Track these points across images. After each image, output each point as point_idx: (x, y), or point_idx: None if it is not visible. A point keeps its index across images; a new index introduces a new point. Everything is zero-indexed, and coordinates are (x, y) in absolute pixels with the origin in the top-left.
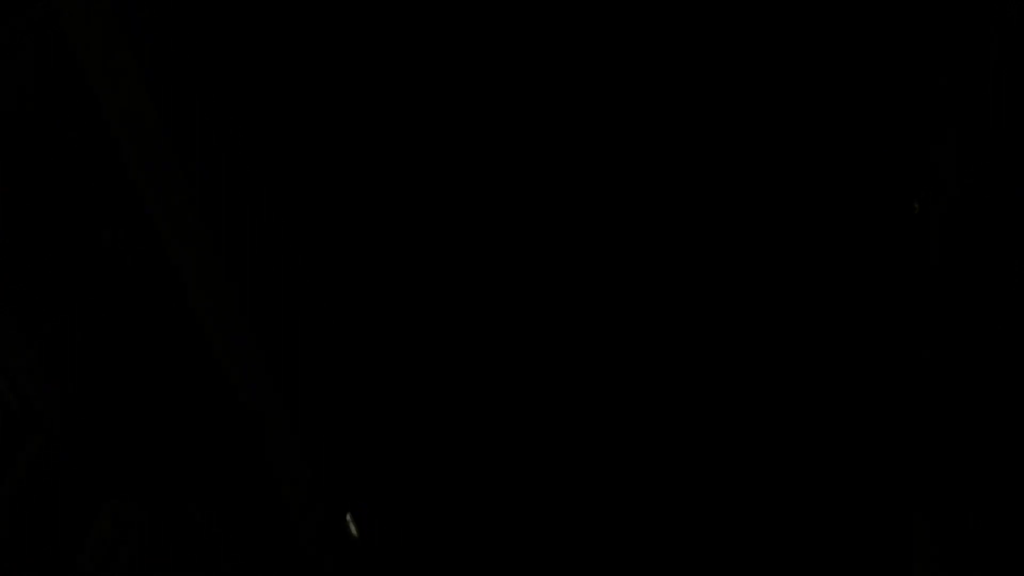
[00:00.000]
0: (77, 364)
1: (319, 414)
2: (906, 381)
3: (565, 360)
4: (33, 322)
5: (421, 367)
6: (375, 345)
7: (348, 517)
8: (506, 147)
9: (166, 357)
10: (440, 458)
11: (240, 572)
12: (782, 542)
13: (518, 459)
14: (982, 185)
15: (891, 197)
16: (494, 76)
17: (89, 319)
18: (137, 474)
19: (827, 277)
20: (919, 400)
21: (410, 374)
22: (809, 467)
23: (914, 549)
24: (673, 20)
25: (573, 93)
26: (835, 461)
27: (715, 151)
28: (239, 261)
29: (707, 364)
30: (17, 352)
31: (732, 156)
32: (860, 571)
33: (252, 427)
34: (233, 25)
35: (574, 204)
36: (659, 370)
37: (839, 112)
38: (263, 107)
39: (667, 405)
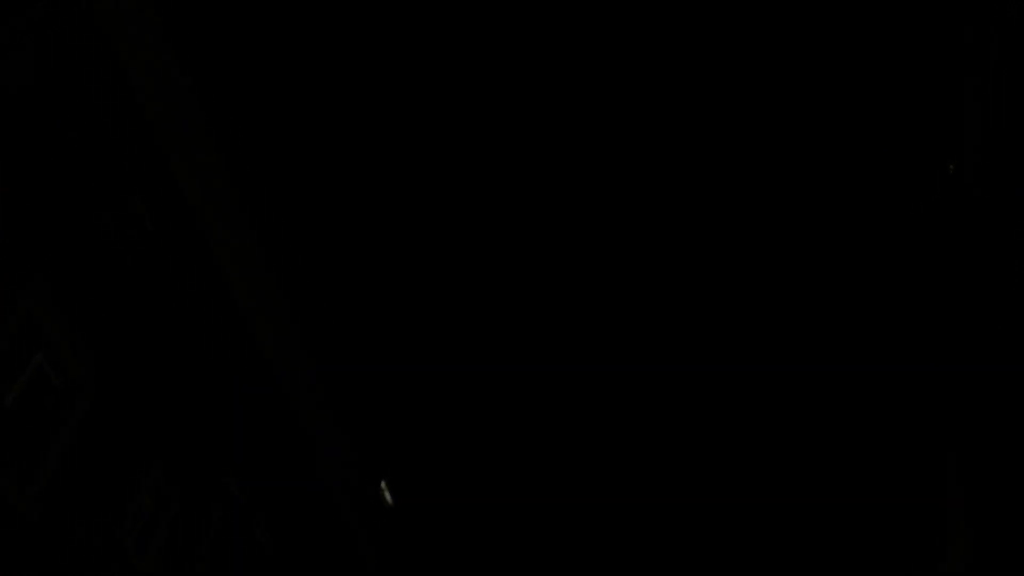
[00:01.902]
0: (112, 337)
1: (353, 388)
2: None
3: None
4: (69, 296)
5: (453, 342)
6: (405, 323)
7: (383, 485)
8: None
9: (200, 331)
10: (470, 428)
11: (277, 542)
12: (817, 520)
13: (542, 429)
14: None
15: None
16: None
17: (122, 292)
18: (175, 447)
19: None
20: (953, 381)
21: (442, 349)
22: (849, 446)
23: (948, 527)
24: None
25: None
26: (873, 440)
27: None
28: (271, 234)
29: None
30: (54, 325)
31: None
32: (895, 545)
33: (288, 400)
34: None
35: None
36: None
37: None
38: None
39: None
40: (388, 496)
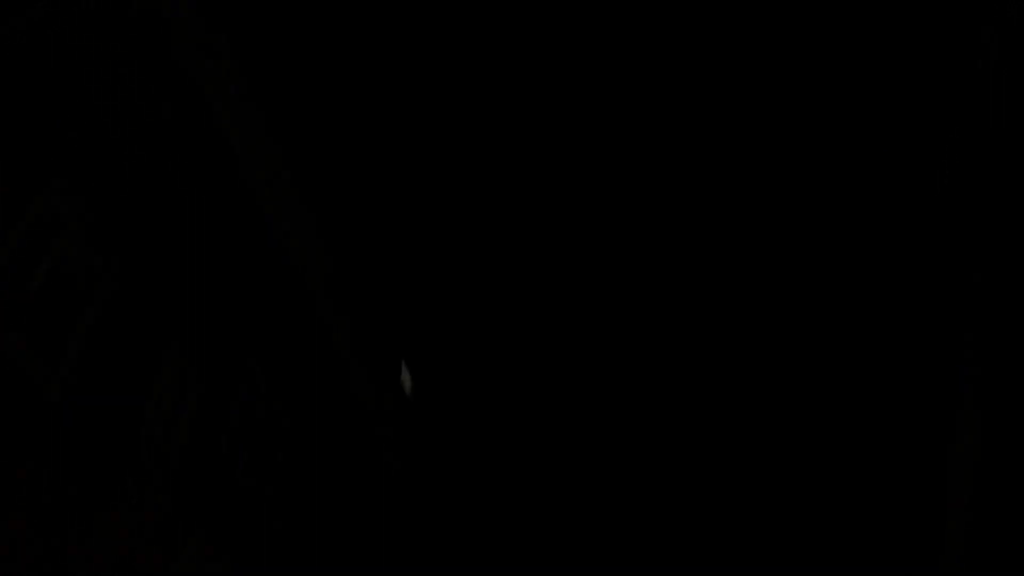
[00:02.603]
0: (132, 227)
1: (365, 267)
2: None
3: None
4: (88, 188)
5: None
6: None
7: (402, 365)
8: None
9: (216, 221)
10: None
11: (299, 424)
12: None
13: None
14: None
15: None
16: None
17: (141, 184)
18: (195, 332)
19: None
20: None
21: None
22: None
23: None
24: None
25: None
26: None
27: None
28: (280, 120)
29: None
30: (74, 215)
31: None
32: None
33: (301, 283)
34: None
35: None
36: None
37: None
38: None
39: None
40: (408, 378)
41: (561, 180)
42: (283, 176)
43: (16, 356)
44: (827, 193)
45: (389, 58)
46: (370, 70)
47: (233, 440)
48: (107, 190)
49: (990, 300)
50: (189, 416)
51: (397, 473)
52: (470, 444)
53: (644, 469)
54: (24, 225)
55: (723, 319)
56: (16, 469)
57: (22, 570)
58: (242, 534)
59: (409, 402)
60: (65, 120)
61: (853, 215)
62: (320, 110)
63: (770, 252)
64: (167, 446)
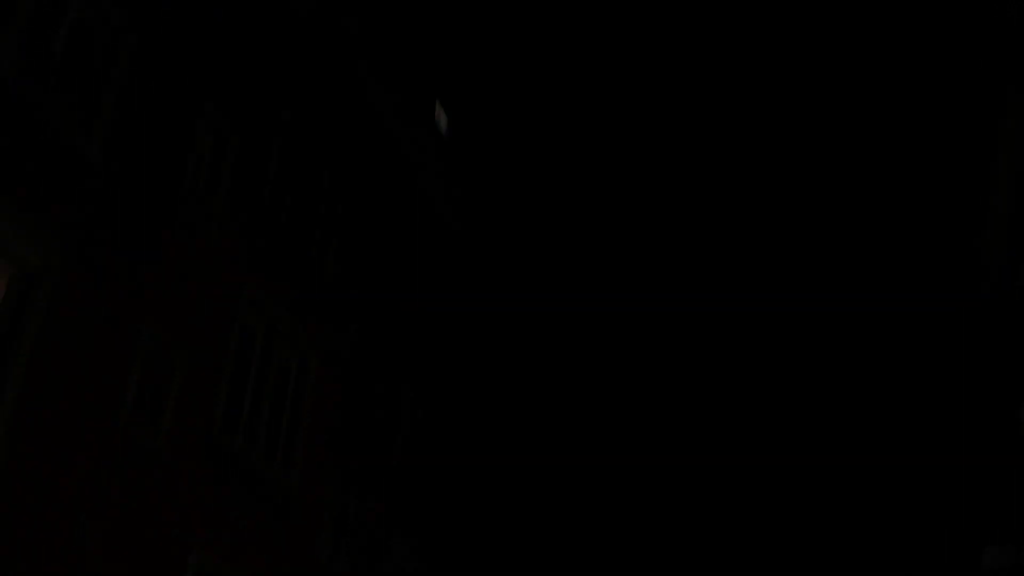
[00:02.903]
0: None
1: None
2: None
3: None
4: None
5: None
6: None
7: (437, 104)
8: None
9: None
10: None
11: (336, 176)
12: None
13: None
14: None
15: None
16: None
17: None
18: (230, 84)
19: None
20: None
21: None
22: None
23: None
24: None
25: None
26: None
27: None
28: None
29: None
30: None
31: None
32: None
33: (332, 28)
34: None
35: None
36: None
37: None
38: None
39: None
40: (443, 117)
41: None
42: None
43: (51, 116)
44: None
45: None
46: None
47: (276, 189)
48: None
49: None
50: (229, 168)
51: (437, 212)
52: (508, 182)
53: None
54: None
55: None
56: (65, 228)
57: (84, 337)
58: (292, 271)
59: (445, 142)
60: None
61: None
62: None
63: None
64: (210, 199)
